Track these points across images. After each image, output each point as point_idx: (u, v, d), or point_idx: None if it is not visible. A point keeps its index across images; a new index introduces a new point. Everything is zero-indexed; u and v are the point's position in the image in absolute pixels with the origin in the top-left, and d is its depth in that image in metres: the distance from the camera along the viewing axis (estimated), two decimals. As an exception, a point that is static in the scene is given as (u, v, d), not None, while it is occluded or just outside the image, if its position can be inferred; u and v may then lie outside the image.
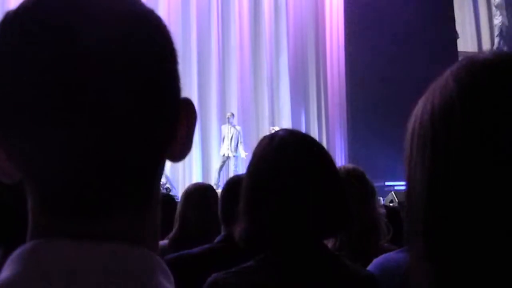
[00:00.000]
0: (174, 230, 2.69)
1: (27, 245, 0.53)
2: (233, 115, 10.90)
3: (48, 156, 0.51)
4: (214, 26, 11.82)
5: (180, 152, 0.58)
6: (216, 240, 2.14)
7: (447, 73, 0.62)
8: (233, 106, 11.58)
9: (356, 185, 2.31)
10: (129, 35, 0.52)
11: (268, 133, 1.50)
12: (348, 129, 12.40)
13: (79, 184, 0.51)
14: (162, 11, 10.85)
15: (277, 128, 10.96)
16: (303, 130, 10.79)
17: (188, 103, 0.58)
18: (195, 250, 2.10)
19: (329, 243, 2.28)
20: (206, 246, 2.12)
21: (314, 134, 11.37)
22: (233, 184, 2.18)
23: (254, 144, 1.50)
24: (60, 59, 0.50)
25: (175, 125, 0.56)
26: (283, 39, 12.36)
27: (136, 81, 0.52)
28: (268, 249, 1.35)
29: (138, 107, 0.52)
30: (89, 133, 0.50)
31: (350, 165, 2.50)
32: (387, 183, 9.25)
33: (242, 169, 9.24)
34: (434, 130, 0.59)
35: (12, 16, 0.53)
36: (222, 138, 10.72)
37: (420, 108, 0.62)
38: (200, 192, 2.73)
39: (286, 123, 11.70)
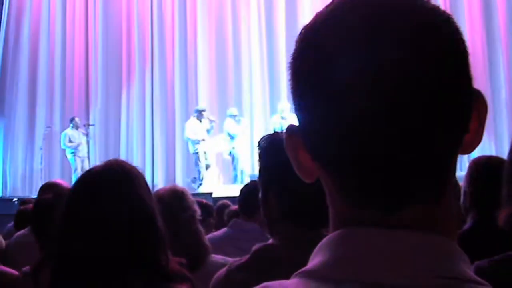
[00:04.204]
0: None
1: (336, 233, 0.57)
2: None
3: (356, 159, 0.54)
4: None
5: (471, 144, 0.58)
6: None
7: None
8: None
9: None
10: (439, 33, 0.55)
11: None
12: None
13: (381, 179, 0.54)
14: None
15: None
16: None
17: (479, 94, 0.58)
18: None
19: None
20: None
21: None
22: None
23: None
24: (384, 67, 0.52)
25: (469, 117, 0.57)
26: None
27: (446, 74, 0.54)
28: None
29: (444, 101, 0.53)
30: (397, 131, 0.52)
31: None
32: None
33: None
34: None
35: (306, 29, 0.58)
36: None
37: None
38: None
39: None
